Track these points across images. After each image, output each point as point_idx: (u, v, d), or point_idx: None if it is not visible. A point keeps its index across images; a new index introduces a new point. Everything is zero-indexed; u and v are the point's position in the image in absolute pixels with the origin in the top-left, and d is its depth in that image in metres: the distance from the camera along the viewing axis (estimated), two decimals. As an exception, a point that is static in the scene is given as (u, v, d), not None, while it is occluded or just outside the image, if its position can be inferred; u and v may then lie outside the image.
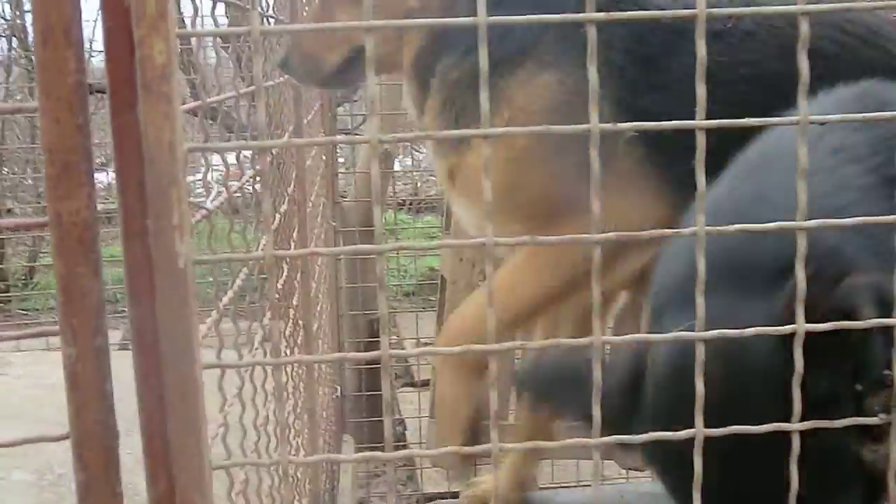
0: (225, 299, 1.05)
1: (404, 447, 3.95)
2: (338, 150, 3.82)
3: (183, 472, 0.73)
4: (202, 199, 1.02)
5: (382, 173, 4.11)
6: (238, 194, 1.20)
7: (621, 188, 1.86)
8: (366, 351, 3.93)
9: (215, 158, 1.14)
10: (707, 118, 0.75)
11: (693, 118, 0.75)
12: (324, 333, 2.95)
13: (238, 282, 1.18)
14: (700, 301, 0.76)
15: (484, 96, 0.72)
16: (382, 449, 0.78)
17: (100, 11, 0.69)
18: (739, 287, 1.02)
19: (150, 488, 0.74)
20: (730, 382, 0.97)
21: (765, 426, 0.79)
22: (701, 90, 0.74)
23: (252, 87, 1.11)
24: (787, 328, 0.78)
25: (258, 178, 1.39)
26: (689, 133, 0.75)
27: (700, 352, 0.76)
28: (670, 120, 0.81)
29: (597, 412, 0.76)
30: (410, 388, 4.98)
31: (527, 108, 1.89)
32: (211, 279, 1.08)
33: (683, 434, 0.77)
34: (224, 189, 1.07)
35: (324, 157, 3.36)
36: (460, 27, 1.78)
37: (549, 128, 0.77)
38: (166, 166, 0.69)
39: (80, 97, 0.67)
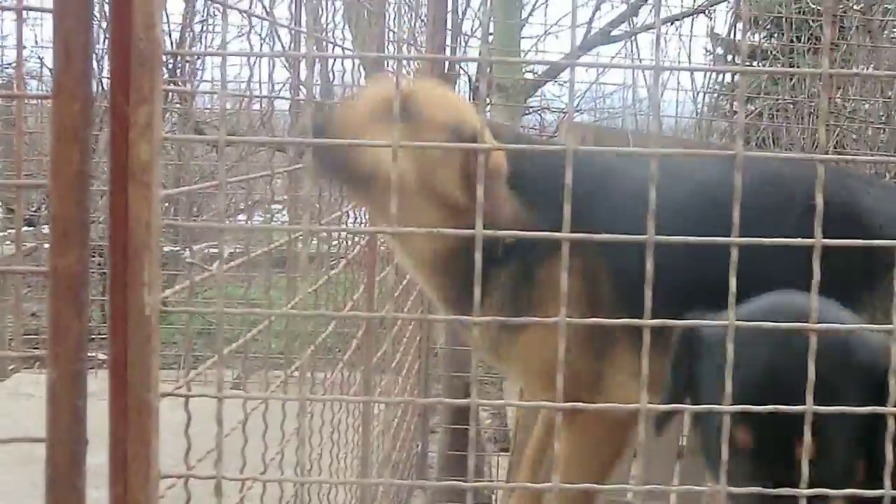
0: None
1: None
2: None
3: (134, 477, 0.93)
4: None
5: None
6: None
7: None
8: (458, 414, 4.08)
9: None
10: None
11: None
12: (404, 388, 3.14)
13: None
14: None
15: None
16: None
17: (109, 119, 0.92)
18: None
19: (111, 489, 0.94)
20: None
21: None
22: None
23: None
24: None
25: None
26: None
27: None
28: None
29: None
30: (506, 454, 5.09)
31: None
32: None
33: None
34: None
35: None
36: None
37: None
38: (142, 237, 0.91)
39: (81, 182, 0.89)
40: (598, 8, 6.34)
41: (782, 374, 1.29)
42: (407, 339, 3.30)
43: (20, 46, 1.28)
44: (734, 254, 0.96)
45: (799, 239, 0.98)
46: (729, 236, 0.95)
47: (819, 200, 0.96)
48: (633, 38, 6.57)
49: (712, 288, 1.09)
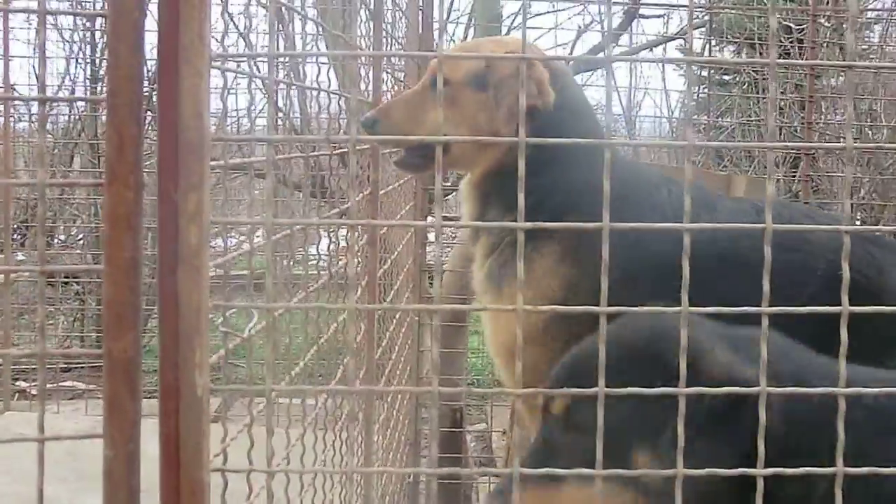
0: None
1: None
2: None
3: (187, 552, 0.95)
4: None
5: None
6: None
7: None
8: (447, 442, 4.11)
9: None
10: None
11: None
12: (398, 423, 3.16)
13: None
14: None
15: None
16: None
17: (158, 204, 0.94)
18: None
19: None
20: None
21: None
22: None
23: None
24: None
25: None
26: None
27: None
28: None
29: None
30: (495, 477, 5.12)
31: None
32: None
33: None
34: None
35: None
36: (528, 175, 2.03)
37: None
38: (192, 321, 0.93)
39: (134, 268, 0.92)
40: (579, 36, 6.42)
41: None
42: (397, 366, 3.33)
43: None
44: (765, 323, 1.00)
45: (827, 307, 1.01)
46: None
47: (845, 268, 1.00)
48: (610, 66, 6.64)
49: None
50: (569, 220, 2.22)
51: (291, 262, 2.14)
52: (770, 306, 1.18)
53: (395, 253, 3.08)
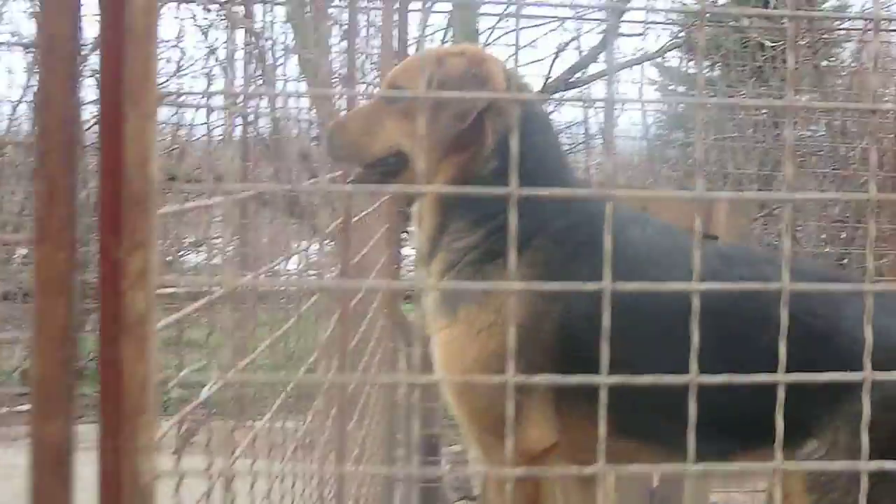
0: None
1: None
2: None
3: None
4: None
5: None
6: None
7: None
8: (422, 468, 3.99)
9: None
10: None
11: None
12: (372, 450, 3.04)
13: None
14: None
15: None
16: None
17: (99, 264, 0.82)
18: None
19: None
20: None
21: None
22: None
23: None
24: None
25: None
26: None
27: None
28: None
29: None
30: (469, 502, 5.01)
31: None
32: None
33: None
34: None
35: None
36: (485, 196, 1.93)
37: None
38: (137, 398, 0.81)
39: (67, 338, 0.79)
40: (557, 56, 6.35)
41: None
42: (372, 398, 3.20)
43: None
44: (780, 394, 0.89)
45: (848, 374, 0.91)
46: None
47: (868, 333, 0.90)
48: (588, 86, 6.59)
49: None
50: (535, 243, 2.11)
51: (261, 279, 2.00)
52: (730, 354, 1.06)
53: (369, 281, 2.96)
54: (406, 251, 4.60)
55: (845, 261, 6.53)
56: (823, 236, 6.60)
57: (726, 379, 0.90)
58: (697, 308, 0.87)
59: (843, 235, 6.52)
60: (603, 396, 0.88)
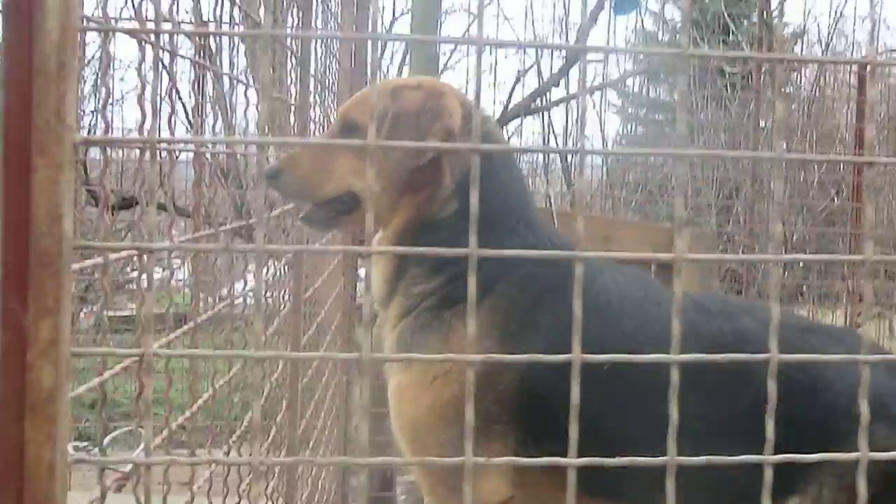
0: None
1: None
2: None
3: None
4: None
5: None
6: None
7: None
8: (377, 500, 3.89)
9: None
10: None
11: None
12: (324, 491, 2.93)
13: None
14: None
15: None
16: None
17: (1, 332, 0.72)
18: None
19: None
20: None
21: None
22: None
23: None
24: None
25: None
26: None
27: None
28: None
29: None
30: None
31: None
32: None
33: None
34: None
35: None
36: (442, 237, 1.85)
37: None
38: (42, 488, 0.70)
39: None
40: (518, 80, 6.31)
41: None
42: (325, 428, 3.10)
43: None
44: (768, 475, 0.81)
45: (847, 453, 0.84)
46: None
47: (864, 408, 0.83)
48: (549, 111, 6.57)
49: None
50: (498, 289, 2.01)
51: (215, 301, 1.89)
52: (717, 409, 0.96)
53: (323, 311, 2.86)
54: (363, 272, 4.50)
55: (804, 289, 6.54)
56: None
57: (706, 460, 0.82)
58: (677, 383, 0.79)
59: (801, 265, 6.55)
60: (571, 477, 0.80)
